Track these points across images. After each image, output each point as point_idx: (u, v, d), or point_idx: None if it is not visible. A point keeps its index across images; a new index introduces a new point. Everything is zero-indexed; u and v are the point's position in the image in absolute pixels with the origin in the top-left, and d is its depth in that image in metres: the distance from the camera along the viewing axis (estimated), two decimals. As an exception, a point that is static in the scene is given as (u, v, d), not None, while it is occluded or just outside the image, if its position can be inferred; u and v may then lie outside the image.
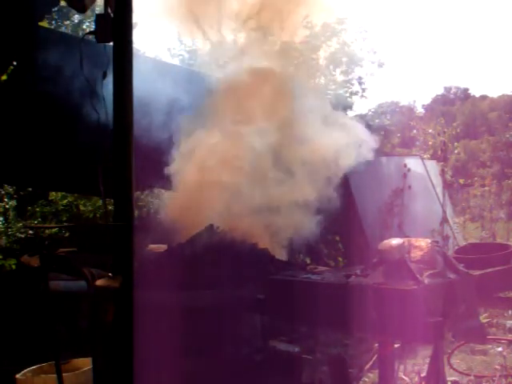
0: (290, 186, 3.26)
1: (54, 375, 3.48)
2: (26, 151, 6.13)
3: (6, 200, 10.56)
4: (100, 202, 9.66)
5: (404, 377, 4.71)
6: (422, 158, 10.34)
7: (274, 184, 3.23)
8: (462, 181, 12.60)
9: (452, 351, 5.33)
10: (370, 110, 16.06)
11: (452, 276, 2.12)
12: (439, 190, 9.21)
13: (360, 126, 3.28)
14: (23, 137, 5.86)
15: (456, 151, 14.40)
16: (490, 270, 2.38)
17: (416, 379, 4.66)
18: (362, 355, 4.97)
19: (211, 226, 2.95)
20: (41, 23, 4.82)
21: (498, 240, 9.03)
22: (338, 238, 7.68)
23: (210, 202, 3.19)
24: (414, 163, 9.06)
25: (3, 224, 9.79)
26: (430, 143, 13.68)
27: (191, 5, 3.20)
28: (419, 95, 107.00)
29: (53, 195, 10.67)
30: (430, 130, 15.14)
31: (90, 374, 3.06)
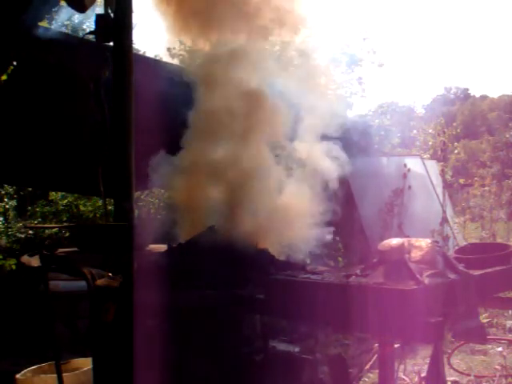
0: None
1: (54, 375, 3.49)
2: (27, 151, 6.14)
3: (6, 200, 10.57)
4: (100, 202, 9.67)
5: (404, 377, 4.71)
6: (422, 158, 10.34)
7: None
8: (462, 181, 12.59)
9: (452, 351, 5.33)
10: (369, 110, 16.08)
11: (452, 276, 2.12)
12: (439, 190, 9.21)
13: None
14: (23, 137, 5.86)
15: (456, 151, 14.39)
16: (489, 269, 2.37)
17: (416, 379, 4.66)
18: (362, 355, 4.98)
19: (212, 226, 2.95)
20: (41, 23, 4.81)
21: (498, 240, 9.02)
22: (337, 238, 7.68)
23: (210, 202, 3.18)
24: (413, 163, 9.06)
25: (3, 224, 9.80)
26: (430, 143, 13.66)
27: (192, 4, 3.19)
28: (419, 95, 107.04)
29: (53, 195, 10.68)
30: (430, 130, 15.11)
31: (89, 373, 3.07)
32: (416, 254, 2.12)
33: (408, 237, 2.35)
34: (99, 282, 2.88)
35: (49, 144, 5.90)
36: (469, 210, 11.16)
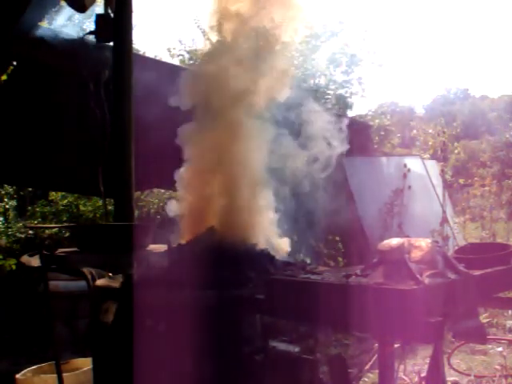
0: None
1: (54, 375, 3.49)
2: (27, 151, 6.14)
3: (6, 200, 10.58)
4: (100, 202, 9.67)
5: (404, 377, 4.71)
6: (422, 158, 10.35)
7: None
8: (462, 181, 12.59)
9: (452, 351, 5.33)
10: (369, 110, 16.09)
11: (452, 276, 2.11)
12: (439, 190, 9.21)
13: None
14: (23, 137, 5.87)
15: (456, 151, 14.40)
16: (489, 270, 2.37)
17: (416, 379, 4.66)
18: (362, 355, 4.98)
19: (212, 227, 2.95)
20: (41, 23, 4.82)
21: (498, 240, 9.02)
22: (338, 238, 7.68)
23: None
24: (413, 163, 9.07)
25: (3, 224, 9.80)
26: (430, 143, 13.65)
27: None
28: (419, 95, 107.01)
29: (53, 195, 10.69)
30: (430, 130, 15.11)
31: (89, 374, 3.07)
32: (416, 254, 2.12)
33: (408, 237, 2.34)
34: (99, 282, 2.88)
35: (49, 144, 5.91)
36: (469, 210, 11.15)
